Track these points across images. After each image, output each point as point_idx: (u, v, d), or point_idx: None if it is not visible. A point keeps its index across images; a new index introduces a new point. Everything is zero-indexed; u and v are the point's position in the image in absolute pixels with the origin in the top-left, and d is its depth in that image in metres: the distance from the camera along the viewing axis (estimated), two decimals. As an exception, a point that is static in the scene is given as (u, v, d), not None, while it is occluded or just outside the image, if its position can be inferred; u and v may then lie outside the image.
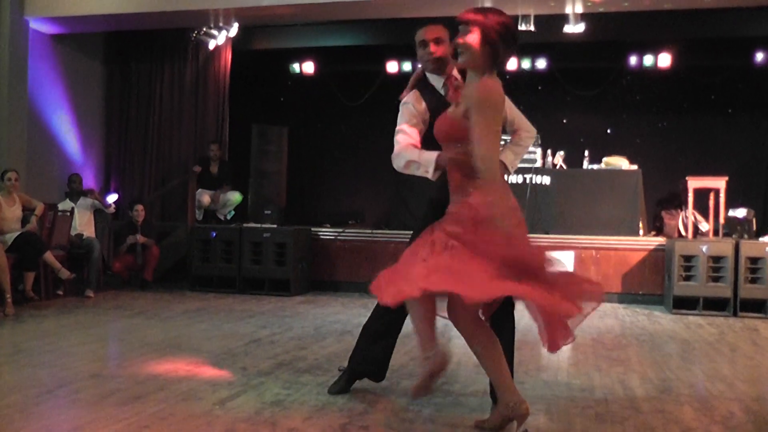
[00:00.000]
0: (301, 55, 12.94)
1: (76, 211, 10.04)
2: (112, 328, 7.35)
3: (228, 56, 12.27)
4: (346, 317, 7.98)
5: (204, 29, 11.30)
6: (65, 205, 10.06)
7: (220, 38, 11.51)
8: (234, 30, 11.24)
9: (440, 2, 9.13)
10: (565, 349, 6.51)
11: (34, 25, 10.70)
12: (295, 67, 13.24)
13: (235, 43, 12.00)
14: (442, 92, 4.17)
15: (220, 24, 11.11)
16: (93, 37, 11.92)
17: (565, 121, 12.66)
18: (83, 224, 10.10)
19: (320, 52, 12.53)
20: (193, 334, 6.86)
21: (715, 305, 8.82)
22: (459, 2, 9.29)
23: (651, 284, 9.60)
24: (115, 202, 10.93)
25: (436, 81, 4.21)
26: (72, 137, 11.62)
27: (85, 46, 11.89)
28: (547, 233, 9.99)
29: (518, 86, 12.42)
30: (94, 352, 6.03)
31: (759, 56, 11.61)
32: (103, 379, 4.93)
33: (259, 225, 10.48)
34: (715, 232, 9.80)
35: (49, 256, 8.84)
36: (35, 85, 10.85)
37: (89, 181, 11.62)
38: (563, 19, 9.92)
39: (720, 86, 12.15)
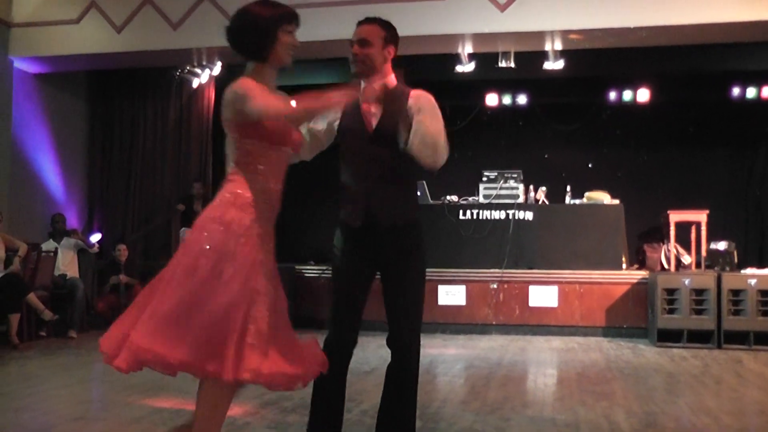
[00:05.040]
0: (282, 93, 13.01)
1: (59, 251, 9.99)
2: (96, 370, 7.28)
3: (211, 94, 12.31)
4: (331, 355, 7.94)
5: (188, 68, 11.36)
6: (49, 245, 10.01)
7: (203, 77, 11.56)
8: (217, 68, 11.30)
9: (418, 41, 9.24)
10: (551, 384, 6.54)
11: (19, 64, 10.73)
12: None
13: (219, 81, 12.04)
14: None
15: (204, 62, 11.17)
16: (76, 75, 11.94)
17: (546, 156, 12.76)
18: (66, 264, 10.05)
19: (301, 90, 12.54)
20: (178, 375, 6.80)
21: (699, 338, 8.86)
22: (444, 41, 9.49)
23: (635, 317, 9.64)
24: (98, 242, 10.89)
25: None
26: (55, 176, 11.59)
27: (69, 85, 11.90)
28: (530, 268, 10.04)
29: (499, 122, 12.57)
30: (78, 395, 5.98)
31: (735, 91, 11.80)
32: (87, 422, 4.89)
33: (242, 263, 10.44)
34: (697, 265, 9.88)
35: (32, 297, 8.78)
36: (19, 125, 10.84)
37: (72, 220, 11.59)
38: (543, 55, 10.05)
39: (698, 120, 12.31)
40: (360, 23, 3.72)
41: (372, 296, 3.73)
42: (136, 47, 10.18)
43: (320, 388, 3.66)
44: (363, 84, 3.67)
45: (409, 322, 3.67)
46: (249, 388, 6.05)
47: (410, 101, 3.61)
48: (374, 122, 3.62)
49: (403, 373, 3.70)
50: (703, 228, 9.71)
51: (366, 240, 3.62)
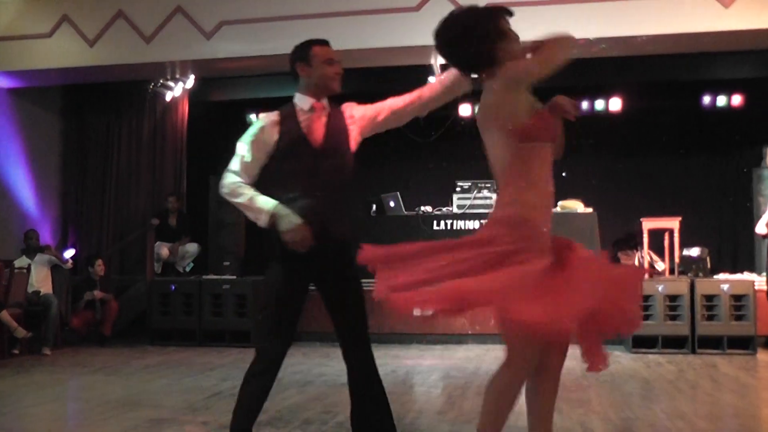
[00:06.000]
0: (257, 106, 12.95)
1: (33, 267, 9.91)
2: (71, 387, 7.23)
3: (185, 108, 12.28)
4: (307, 367, 7.94)
5: (161, 81, 11.34)
6: (22, 261, 9.93)
7: (176, 90, 11.55)
8: (191, 82, 11.29)
9: (390, 52, 9.29)
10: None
11: (-9, 79, 10.69)
12: (252, 117, 13.26)
13: (192, 94, 12.02)
14: (307, 114, 3.87)
15: (177, 76, 11.16)
16: (50, 90, 11.87)
17: (520, 165, 12.79)
18: (40, 281, 9.96)
19: (276, 103, 12.49)
20: (154, 389, 6.78)
21: (673, 343, 8.93)
22: (416, 53, 9.53)
23: (610, 324, 9.65)
24: (72, 257, 10.81)
25: (306, 102, 3.92)
26: (28, 192, 11.50)
27: (43, 100, 11.84)
28: (506, 277, 10.06)
29: (473, 132, 12.56)
30: (53, 413, 5.93)
31: (706, 99, 11.91)
32: (61, 439, 4.86)
33: (218, 276, 10.44)
34: (671, 271, 9.96)
35: (5, 315, 8.71)
36: (-9, 141, 10.78)
37: (46, 236, 11.49)
38: (515, 66, 10.10)
39: (670, 128, 12.40)
40: (327, 43, 3.92)
41: (303, 309, 3.89)
42: (109, 61, 10.14)
43: (260, 391, 3.82)
44: (322, 102, 3.88)
45: (367, 329, 3.88)
46: (223, 401, 6.03)
47: (348, 113, 3.90)
48: (320, 139, 3.78)
49: (377, 378, 3.86)
50: (676, 235, 9.80)
51: (315, 255, 3.71)
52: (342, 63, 3.92)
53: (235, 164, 3.80)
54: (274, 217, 3.65)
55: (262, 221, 3.69)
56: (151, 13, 9.92)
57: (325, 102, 3.90)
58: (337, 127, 3.86)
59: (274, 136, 3.80)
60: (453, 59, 3.40)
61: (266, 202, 3.69)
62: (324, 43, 3.90)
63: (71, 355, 9.20)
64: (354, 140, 3.91)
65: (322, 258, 3.76)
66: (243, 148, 3.82)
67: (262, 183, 3.84)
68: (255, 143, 3.80)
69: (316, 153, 3.77)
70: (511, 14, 3.39)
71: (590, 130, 12.66)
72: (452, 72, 3.74)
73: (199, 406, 5.88)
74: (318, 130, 3.82)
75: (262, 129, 3.82)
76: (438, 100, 3.90)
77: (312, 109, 3.86)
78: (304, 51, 3.89)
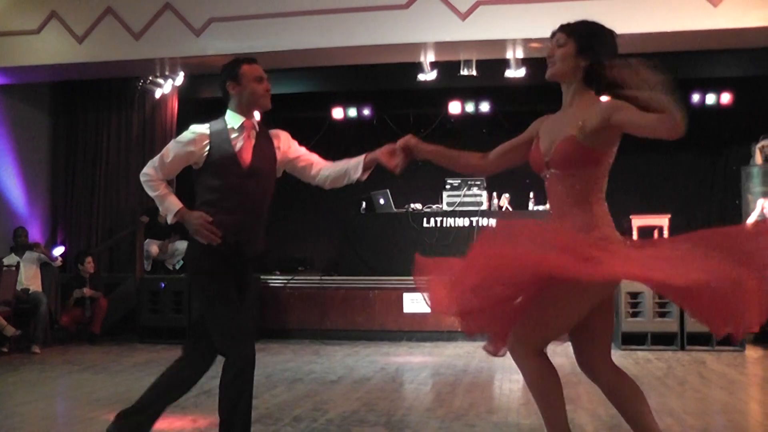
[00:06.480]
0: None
1: (21, 265, 9.87)
2: (60, 385, 7.21)
3: (174, 105, 12.25)
4: (296, 365, 7.94)
5: (150, 78, 11.31)
6: (11, 259, 9.89)
7: (166, 87, 11.52)
8: (180, 79, 11.26)
9: (380, 50, 9.30)
10: (516, 390, 6.58)
11: (-22, 76, 10.62)
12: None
13: (181, 91, 12.00)
14: (237, 133, 3.98)
15: (166, 73, 11.12)
16: (39, 87, 11.82)
17: (510, 163, 12.82)
18: (29, 278, 9.93)
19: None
20: (143, 387, 6.68)
21: (662, 340, 8.97)
22: (406, 50, 9.54)
23: (599, 321, 9.68)
24: (61, 255, 10.77)
25: (236, 121, 4.01)
26: (17, 189, 11.45)
27: (31, 97, 11.78)
28: (496, 274, 10.07)
29: (463, 129, 12.62)
30: (41, 411, 5.91)
31: (695, 97, 11.95)
32: (50, 437, 4.84)
33: (208, 274, 10.41)
34: (660, 269, 9.99)
35: (-7, 313, 8.67)
36: (-21, 138, 10.72)
37: (35, 233, 11.45)
38: (505, 63, 10.13)
39: (659, 126, 12.43)
40: (255, 61, 4.13)
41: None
42: (98, 58, 10.09)
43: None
44: (252, 120, 4.05)
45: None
46: (212, 399, 6.02)
47: (276, 141, 4.11)
48: (248, 159, 3.94)
49: (249, 384, 3.94)
50: (665, 232, 9.83)
51: (233, 265, 3.94)
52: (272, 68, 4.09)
53: (158, 159, 3.96)
54: (180, 214, 3.87)
55: (170, 218, 3.91)
56: (140, 9, 9.88)
57: (254, 121, 4.05)
58: (264, 150, 4.03)
59: (204, 150, 3.92)
60: (604, 49, 3.39)
61: (177, 201, 3.91)
62: (252, 61, 4.06)
63: (60, 353, 9.17)
64: (277, 165, 4.10)
65: (237, 270, 3.96)
66: (171, 148, 3.97)
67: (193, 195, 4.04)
68: (183, 152, 3.94)
69: (243, 173, 3.92)
70: None
71: (580, 127, 12.69)
72: (355, 159, 4.09)
73: (188, 404, 5.87)
74: (247, 150, 3.96)
75: (193, 141, 3.93)
76: (335, 179, 4.15)
77: (242, 127, 3.98)
78: (233, 70, 4.02)
